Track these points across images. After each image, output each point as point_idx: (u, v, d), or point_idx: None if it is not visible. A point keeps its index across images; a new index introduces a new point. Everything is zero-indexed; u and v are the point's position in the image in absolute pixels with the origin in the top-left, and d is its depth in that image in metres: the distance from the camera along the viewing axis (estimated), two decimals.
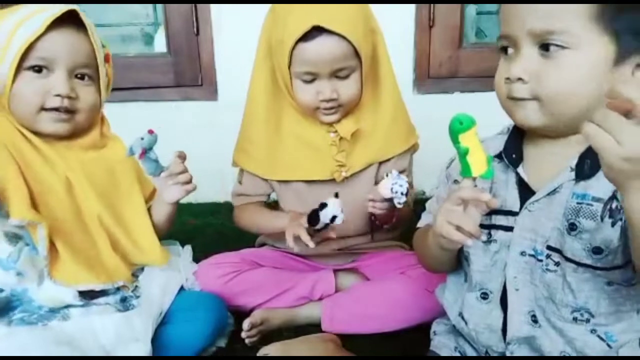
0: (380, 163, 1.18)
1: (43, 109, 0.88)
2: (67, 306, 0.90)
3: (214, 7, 1.82)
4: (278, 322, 1.14)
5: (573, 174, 0.69)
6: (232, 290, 1.14)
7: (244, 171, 1.23)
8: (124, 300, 0.96)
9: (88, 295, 0.92)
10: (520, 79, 0.68)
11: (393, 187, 1.00)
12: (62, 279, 0.88)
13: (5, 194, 0.83)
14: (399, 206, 1.02)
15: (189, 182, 0.99)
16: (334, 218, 1.01)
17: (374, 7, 1.12)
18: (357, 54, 1.06)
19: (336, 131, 1.14)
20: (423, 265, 0.91)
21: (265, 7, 1.14)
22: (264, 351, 1.03)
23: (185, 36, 1.86)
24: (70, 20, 0.88)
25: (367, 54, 1.09)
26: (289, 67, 1.07)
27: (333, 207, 1.01)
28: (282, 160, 1.17)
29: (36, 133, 0.90)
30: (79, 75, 0.91)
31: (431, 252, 0.78)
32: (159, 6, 1.91)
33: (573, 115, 0.67)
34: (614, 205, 0.66)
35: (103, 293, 0.94)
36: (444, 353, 0.87)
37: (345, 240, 1.23)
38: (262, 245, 1.32)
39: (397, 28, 1.79)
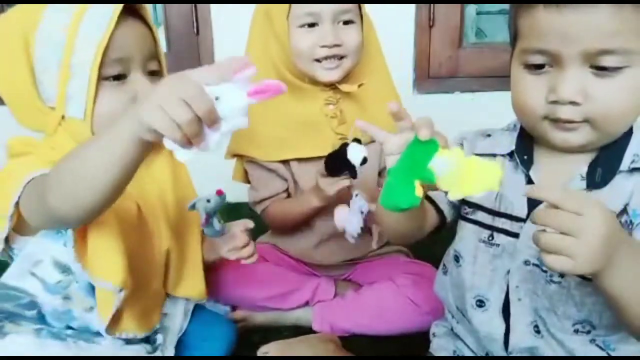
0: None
1: None
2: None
3: (214, 7, 1.82)
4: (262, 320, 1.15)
5: (584, 183, 0.66)
6: (235, 278, 1.13)
7: (251, 170, 1.18)
8: (153, 341, 0.88)
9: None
10: (573, 102, 0.62)
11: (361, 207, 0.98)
12: (113, 329, 0.80)
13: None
14: (352, 240, 1.01)
15: (252, 255, 0.93)
16: (365, 160, 0.95)
17: (374, 7, 1.12)
18: (359, 6, 1.05)
19: (337, 102, 1.09)
20: (386, 233, 0.84)
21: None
22: (263, 350, 1.03)
23: (185, 36, 1.86)
24: (129, 11, 0.74)
25: (366, 15, 1.08)
26: (287, 17, 1.02)
27: (359, 148, 0.95)
28: (279, 141, 1.11)
29: None
30: (149, 72, 0.78)
31: None
32: (159, 6, 1.91)
33: (619, 132, 0.65)
34: (623, 219, 0.64)
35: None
36: (442, 355, 0.87)
37: (351, 251, 1.21)
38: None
39: (397, 28, 1.79)
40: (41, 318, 0.79)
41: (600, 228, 0.52)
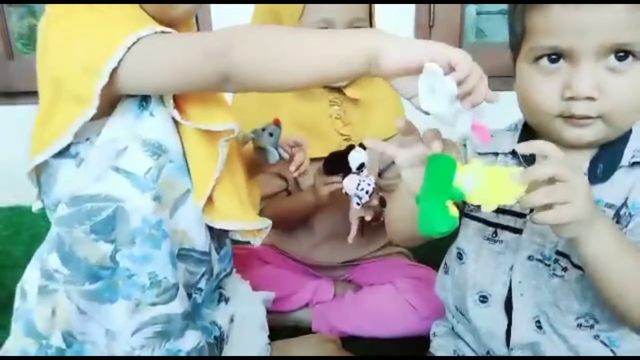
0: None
1: None
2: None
3: (214, 8, 1.82)
4: None
5: (586, 178, 0.66)
6: None
7: None
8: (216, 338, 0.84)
9: (220, 240, 0.80)
10: (589, 97, 0.62)
11: (361, 183, 0.98)
12: (212, 214, 0.73)
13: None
14: (356, 207, 1.00)
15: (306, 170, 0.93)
16: (362, 165, 0.97)
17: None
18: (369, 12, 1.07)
19: (341, 103, 1.11)
20: (393, 235, 0.85)
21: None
22: None
23: None
24: None
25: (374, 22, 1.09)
26: (299, 20, 1.03)
27: (360, 154, 0.97)
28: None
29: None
30: None
31: (402, 207, 0.75)
32: None
33: (629, 127, 0.66)
34: (622, 212, 0.65)
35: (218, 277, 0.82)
36: (442, 355, 0.87)
37: (350, 252, 1.21)
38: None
39: (397, 28, 1.79)
40: (113, 269, 0.68)
41: (586, 182, 0.57)
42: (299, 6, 1.04)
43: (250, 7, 1.76)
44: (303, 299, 1.17)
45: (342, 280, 1.24)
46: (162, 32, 0.63)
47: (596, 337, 0.70)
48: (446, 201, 0.58)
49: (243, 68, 0.60)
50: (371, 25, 1.10)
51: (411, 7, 1.83)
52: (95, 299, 0.69)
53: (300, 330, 1.13)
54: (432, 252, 1.01)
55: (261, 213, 1.17)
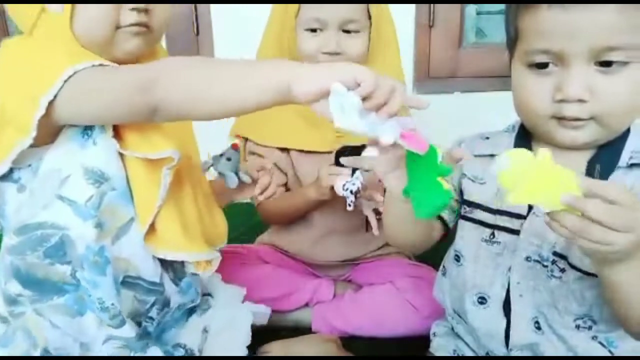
0: None
1: (118, 27, 0.69)
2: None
3: (213, 7, 1.82)
4: None
5: None
6: (233, 282, 1.13)
7: (251, 161, 1.16)
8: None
9: (177, 271, 0.78)
10: (580, 99, 0.63)
11: (346, 184, 0.99)
12: (155, 243, 0.73)
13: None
14: (349, 208, 1.00)
15: (275, 192, 0.92)
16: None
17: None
18: (368, 15, 1.08)
19: None
20: (391, 240, 0.85)
21: (265, 8, 1.14)
22: (264, 349, 1.03)
23: (185, 36, 1.86)
24: None
25: (377, 17, 1.10)
26: (296, 17, 1.06)
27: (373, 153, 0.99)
28: (282, 129, 1.13)
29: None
30: None
31: (393, 212, 0.75)
32: None
33: (623, 128, 0.66)
34: None
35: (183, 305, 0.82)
36: (442, 355, 0.87)
37: (350, 250, 1.21)
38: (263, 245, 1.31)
39: (397, 28, 1.80)
40: (76, 285, 0.71)
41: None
42: (296, 5, 1.06)
43: (250, 8, 1.76)
44: (303, 299, 1.17)
45: (342, 280, 1.24)
46: (101, 65, 0.65)
47: (594, 338, 0.70)
48: (436, 178, 0.58)
49: (168, 100, 0.62)
50: (371, 27, 1.10)
51: (411, 7, 1.83)
52: (66, 313, 0.71)
53: (300, 330, 1.13)
54: (432, 252, 1.00)
55: (258, 208, 1.18)
